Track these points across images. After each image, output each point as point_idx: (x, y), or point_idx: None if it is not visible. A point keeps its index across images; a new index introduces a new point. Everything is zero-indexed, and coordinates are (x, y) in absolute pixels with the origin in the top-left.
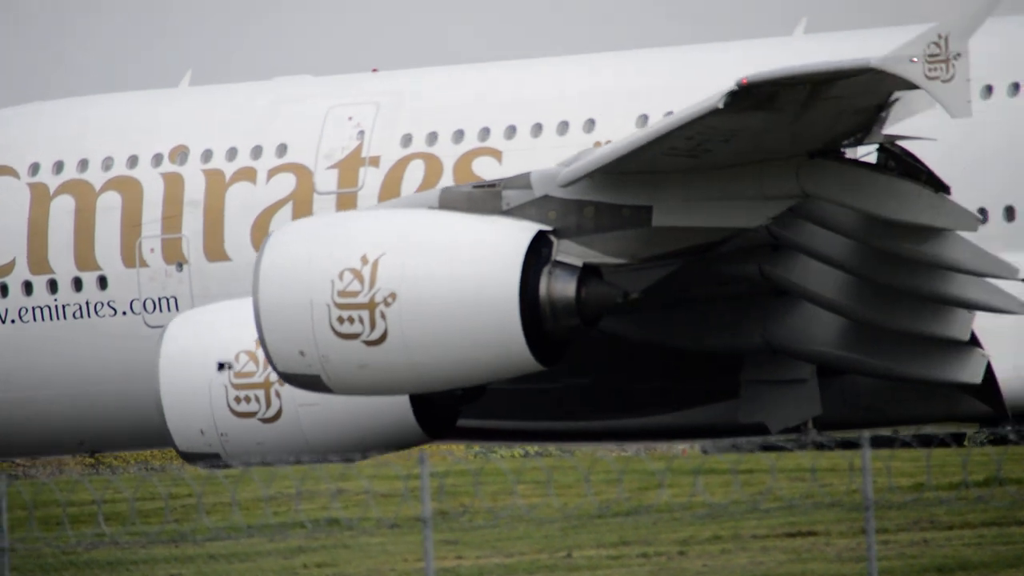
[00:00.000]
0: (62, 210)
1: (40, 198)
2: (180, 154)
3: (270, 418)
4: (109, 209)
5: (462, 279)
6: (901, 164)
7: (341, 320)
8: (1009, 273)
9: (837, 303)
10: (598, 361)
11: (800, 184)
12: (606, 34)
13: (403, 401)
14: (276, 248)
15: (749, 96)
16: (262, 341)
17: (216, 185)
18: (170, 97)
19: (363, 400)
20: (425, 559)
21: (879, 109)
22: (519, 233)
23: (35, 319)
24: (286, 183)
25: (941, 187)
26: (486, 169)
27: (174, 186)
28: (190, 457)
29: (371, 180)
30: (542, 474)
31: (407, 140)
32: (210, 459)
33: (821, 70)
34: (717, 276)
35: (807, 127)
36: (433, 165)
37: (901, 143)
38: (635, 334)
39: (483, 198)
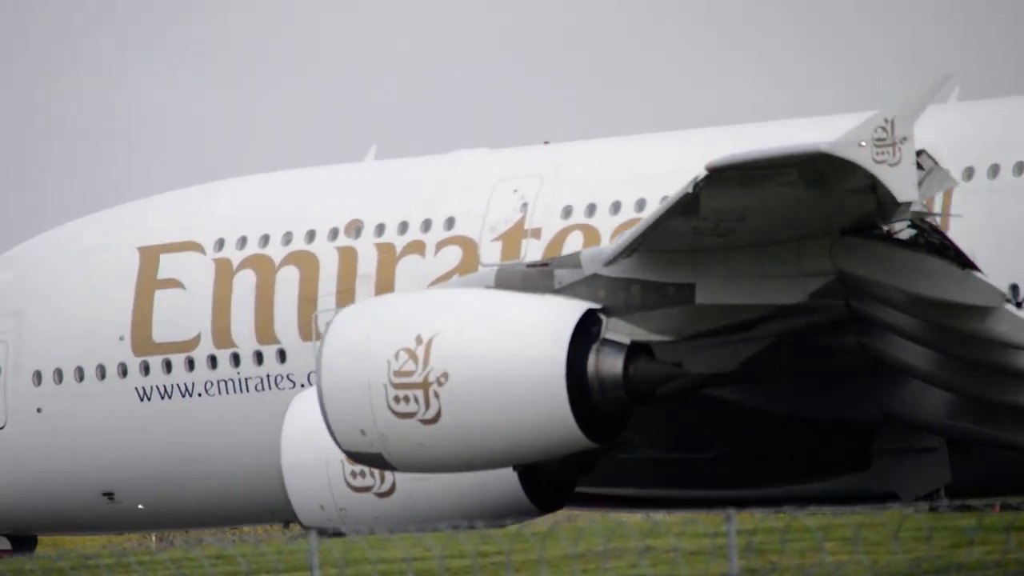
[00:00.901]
0: (244, 285)
1: (224, 273)
2: (355, 228)
3: (384, 492)
4: (287, 283)
5: (511, 357)
6: (930, 241)
7: (397, 399)
8: None
9: (928, 373)
10: (730, 431)
11: (834, 261)
12: (763, 103)
13: (510, 474)
14: (337, 331)
15: (721, 180)
16: (325, 421)
17: (387, 258)
18: (351, 171)
19: (472, 473)
20: None
21: (872, 189)
22: (567, 311)
23: (220, 392)
24: (453, 256)
25: (968, 264)
26: None
27: (348, 260)
28: (315, 530)
29: (532, 252)
30: (849, 531)
31: (567, 212)
32: (333, 534)
33: (773, 155)
34: (820, 350)
35: (824, 206)
36: (591, 236)
37: (929, 219)
38: (762, 405)
39: (536, 277)
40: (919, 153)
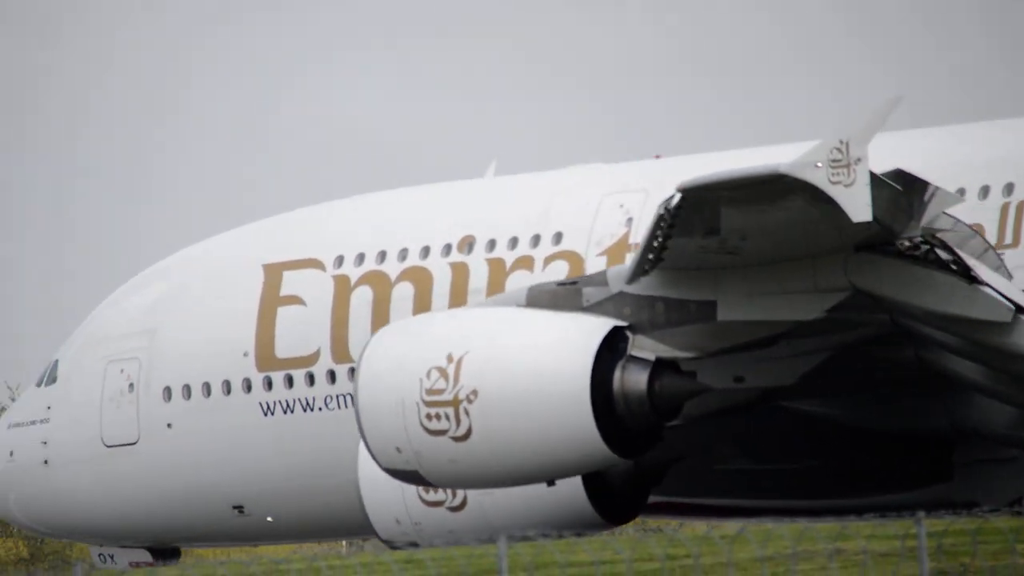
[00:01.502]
0: (362, 301)
1: (342, 289)
2: (468, 244)
3: (456, 507)
4: (403, 299)
5: (538, 375)
6: (940, 257)
7: (430, 417)
8: None
9: (983, 386)
10: (816, 443)
11: (848, 277)
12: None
13: (580, 485)
14: (373, 350)
15: (699, 201)
16: (363, 439)
17: (497, 274)
18: (469, 187)
19: (540, 485)
20: None
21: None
22: (594, 329)
23: (339, 407)
24: (560, 270)
25: (976, 279)
26: None
27: (460, 276)
28: (392, 545)
29: None
30: None
31: None
32: (411, 547)
33: (733, 177)
34: (878, 363)
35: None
36: None
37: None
38: (839, 417)
39: (565, 295)
40: (896, 173)
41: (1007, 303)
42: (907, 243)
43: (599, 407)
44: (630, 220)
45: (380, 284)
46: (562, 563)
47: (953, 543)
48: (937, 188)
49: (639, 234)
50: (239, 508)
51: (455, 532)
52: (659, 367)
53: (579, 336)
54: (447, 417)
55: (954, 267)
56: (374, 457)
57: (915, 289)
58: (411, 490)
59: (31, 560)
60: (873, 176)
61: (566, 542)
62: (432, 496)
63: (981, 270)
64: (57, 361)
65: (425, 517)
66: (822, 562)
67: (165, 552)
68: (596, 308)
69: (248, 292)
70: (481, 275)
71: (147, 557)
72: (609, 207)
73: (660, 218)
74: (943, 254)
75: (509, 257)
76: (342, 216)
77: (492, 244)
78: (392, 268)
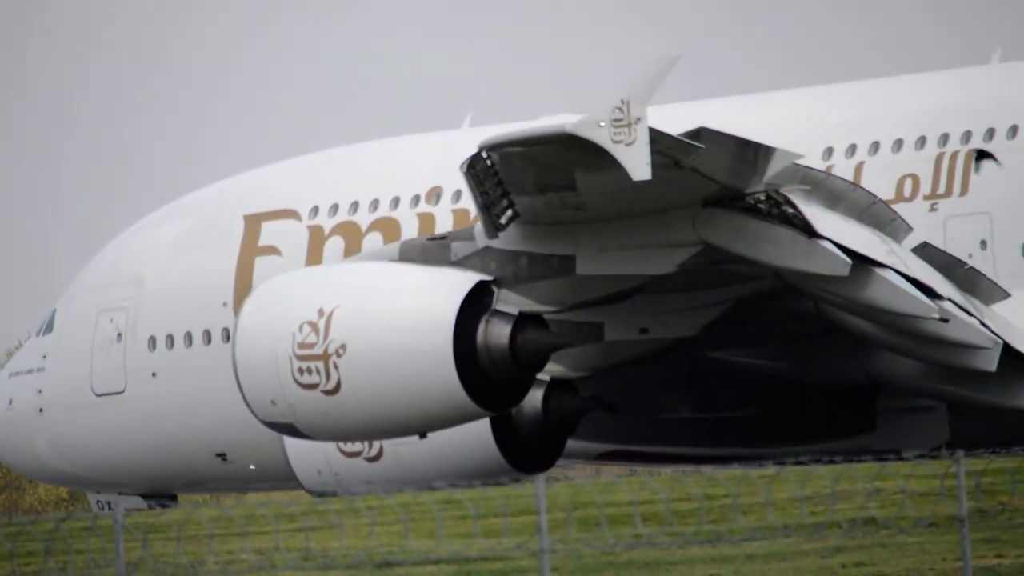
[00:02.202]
0: (335, 251)
1: (316, 240)
2: (435, 195)
3: (373, 457)
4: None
5: (403, 329)
6: (784, 212)
7: (301, 371)
8: (925, 311)
9: (878, 339)
10: (753, 393)
11: (697, 232)
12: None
13: (489, 434)
14: (251, 304)
15: (505, 158)
16: (241, 392)
17: (462, 224)
18: (443, 139)
19: (454, 435)
20: (963, 558)
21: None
22: (459, 283)
23: None
24: None
25: (815, 234)
26: None
27: (427, 226)
28: (315, 493)
29: None
30: None
31: None
32: (330, 494)
33: (523, 136)
34: (780, 314)
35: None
36: None
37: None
38: (759, 368)
39: (434, 250)
40: (699, 131)
41: (843, 257)
42: (753, 199)
43: (462, 360)
44: None
45: (351, 234)
46: (599, 503)
47: (992, 482)
48: (775, 148)
49: None
50: (222, 456)
51: (373, 482)
52: (522, 321)
53: (443, 290)
54: (318, 371)
55: (796, 222)
56: (250, 409)
57: (757, 243)
58: (331, 444)
59: (70, 500)
60: (713, 133)
61: (604, 482)
62: (350, 447)
63: (827, 224)
64: (55, 311)
65: (344, 467)
66: (860, 501)
67: (162, 499)
68: (463, 263)
69: (229, 243)
70: (447, 226)
71: (143, 504)
72: None
73: (471, 175)
74: (789, 209)
75: (474, 207)
76: (320, 168)
77: (458, 195)
78: (363, 218)
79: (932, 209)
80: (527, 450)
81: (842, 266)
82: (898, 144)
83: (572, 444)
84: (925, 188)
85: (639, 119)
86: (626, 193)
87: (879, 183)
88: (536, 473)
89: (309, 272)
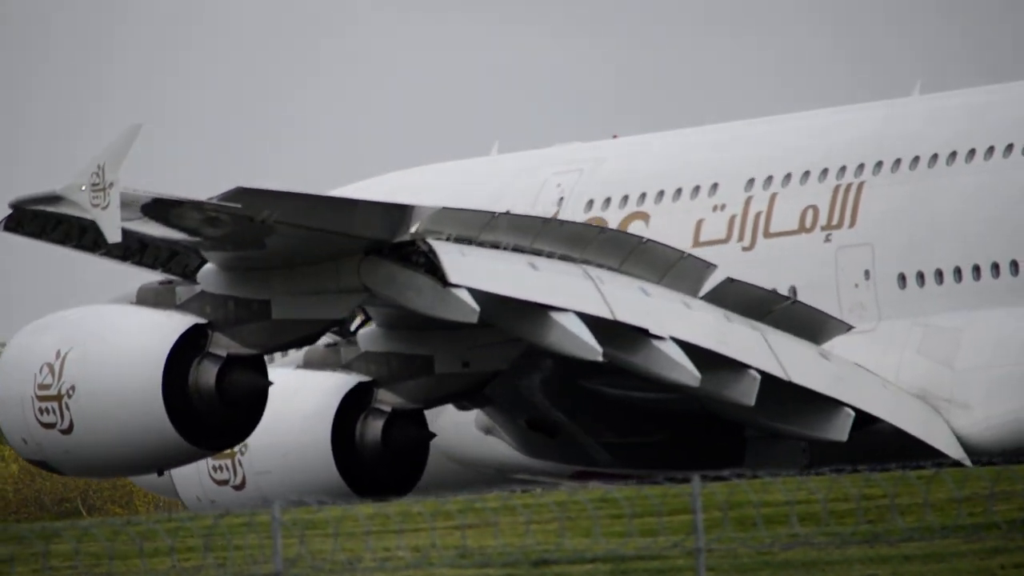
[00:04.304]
0: None
1: None
2: None
3: (238, 486)
4: None
5: (120, 371)
6: (430, 260)
7: (42, 411)
8: (588, 353)
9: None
10: (655, 420)
11: (361, 278)
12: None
13: (330, 459)
14: (10, 344)
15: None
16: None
17: None
18: (471, 165)
19: (304, 462)
20: None
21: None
22: (174, 327)
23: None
24: None
25: (450, 284)
26: (638, 231)
27: None
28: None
29: None
30: None
31: (590, 205)
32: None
33: (28, 197)
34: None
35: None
36: None
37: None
38: (631, 397)
39: (163, 294)
40: (238, 191)
41: (473, 305)
42: (406, 249)
43: (174, 402)
44: (562, 199)
45: None
46: (756, 502)
47: None
48: (418, 206)
49: (566, 212)
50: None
51: (230, 505)
52: (230, 362)
53: (160, 334)
54: (54, 411)
55: (436, 272)
56: (13, 447)
57: (403, 291)
58: (203, 469)
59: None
60: (255, 192)
61: (760, 482)
62: (219, 475)
63: (469, 272)
64: None
65: (217, 494)
66: (1020, 503)
67: None
68: (186, 306)
69: None
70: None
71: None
72: (550, 185)
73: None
74: (432, 258)
75: None
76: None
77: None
78: None
79: (827, 240)
80: (369, 476)
81: (471, 313)
82: (805, 176)
83: (547, 465)
84: (823, 219)
85: (112, 184)
86: (296, 241)
87: (788, 215)
88: (377, 497)
89: (63, 314)
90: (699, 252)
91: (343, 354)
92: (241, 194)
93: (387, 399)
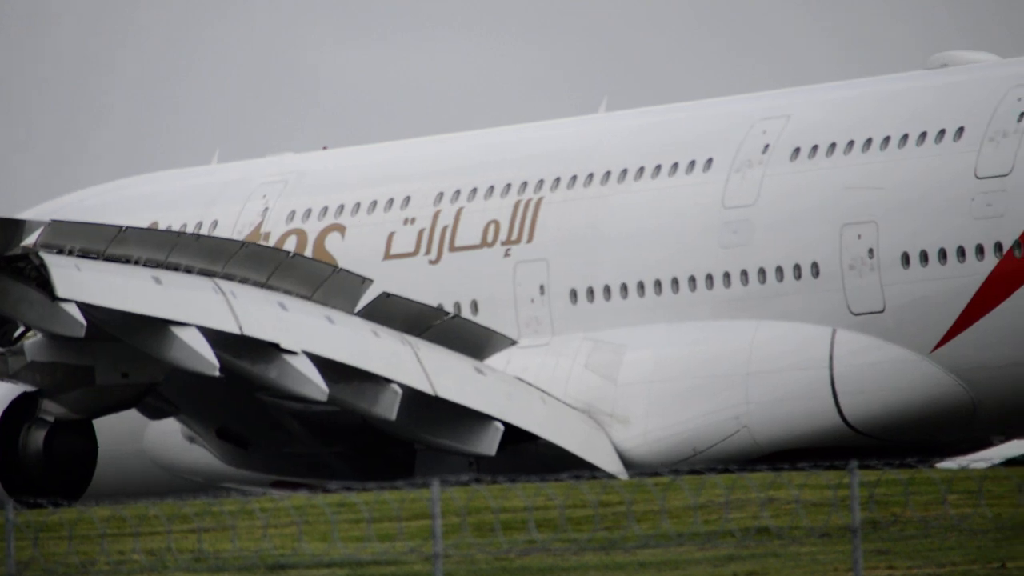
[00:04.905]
0: None
1: None
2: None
3: None
4: None
5: None
6: (40, 274)
7: None
8: (206, 366)
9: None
10: (335, 433)
11: None
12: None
13: None
14: None
15: None
16: None
17: None
18: (183, 175)
19: None
20: (855, 569)
21: None
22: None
23: None
24: None
25: (57, 297)
26: (334, 244)
27: None
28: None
29: None
30: (973, 484)
31: (291, 216)
32: None
33: None
34: None
35: None
36: (302, 240)
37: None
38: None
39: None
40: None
41: (79, 319)
42: (19, 263)
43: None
44: (266, 210)
45: None
46: (494, 508)
47: (885, 493)
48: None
49: (269, 224)
50: None
51: None
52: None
53: None
54: None
55: (46, 286)
56: None
57: (16, 304)
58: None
59: None
60: None
61: (500, 487)
62: None
63: (79, 287)
64: None
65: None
66: (754, 511)
67: None
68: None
69: None
70: None
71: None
72: (256, 196)
73: None
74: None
75: None
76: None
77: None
78: None
79: (507, 255)
80: (32, 486)
81: (79, 328)
82: (490, 191)
83: (246, 474)
84: (503, 234)
85: None
86: None
87: (472, 229)
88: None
89: None
90: (389, 265)
91: (10, 364)
92: None
93: (51, 409)
